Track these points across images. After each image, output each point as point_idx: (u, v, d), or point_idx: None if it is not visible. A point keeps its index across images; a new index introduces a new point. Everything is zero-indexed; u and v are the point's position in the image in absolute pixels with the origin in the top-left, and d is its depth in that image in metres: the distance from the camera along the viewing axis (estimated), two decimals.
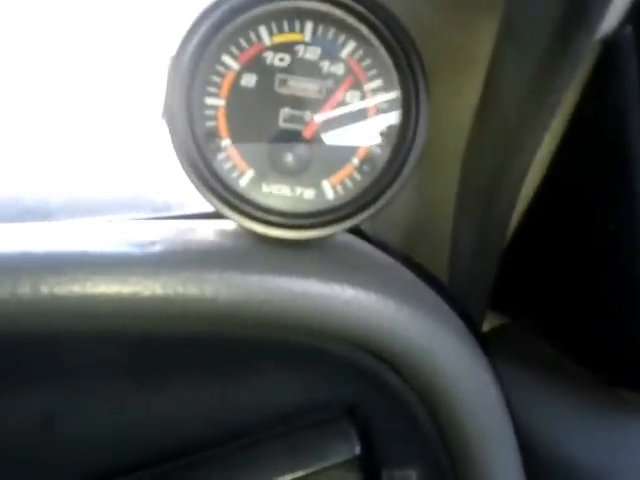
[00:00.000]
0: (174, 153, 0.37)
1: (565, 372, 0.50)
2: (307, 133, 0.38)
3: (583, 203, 0.45)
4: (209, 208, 0.71)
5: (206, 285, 0.33)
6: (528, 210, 0.48)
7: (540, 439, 0.44)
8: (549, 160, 0.44)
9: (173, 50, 0.36)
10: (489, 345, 0.50)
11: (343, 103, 0.38)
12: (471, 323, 0.42)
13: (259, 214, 0.37)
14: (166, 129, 0.37)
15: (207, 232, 0.38)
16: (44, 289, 0.30)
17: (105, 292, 0.31)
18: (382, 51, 0.37)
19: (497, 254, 0.49)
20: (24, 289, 0.30)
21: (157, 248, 0.34)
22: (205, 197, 0.37)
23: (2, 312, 0.30)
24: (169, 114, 0.36)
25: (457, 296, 0.50)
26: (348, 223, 0.37)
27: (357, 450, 0.39)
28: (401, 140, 0.37)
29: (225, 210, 0.37)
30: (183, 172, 0.37)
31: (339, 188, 0.38)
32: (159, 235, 0.36)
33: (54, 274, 0.31)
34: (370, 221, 0.39)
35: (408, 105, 0.37)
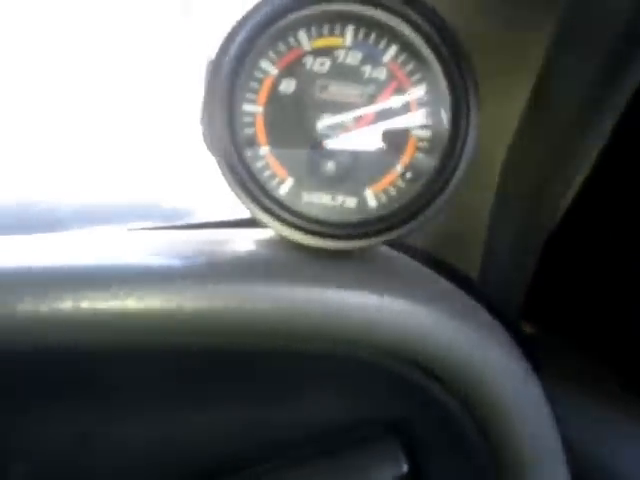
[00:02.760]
0: (215, 159, 0.35)
1: (604, 383, 0.48)
2: (349, 140, 0.36)
3: (624, 210, 0.44)
4: (225, 216, 0.70)
5: (252, 297, 0.31)
6: (565, 215, 0.47)
7: (589, 454, 0.43)
8: (591, 165, 0.43)
9: (210, 56, 0.35)
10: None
11: (386, 109, 0.36)
12: (517, 334, 0.41)
13: (301, 223, 0.35)
14: (206, 135, 0.35)
15: (245, 242, 0.37)
16: (85, 304, 0.29)
17: (149, 306, 0.30)
18: (428, 54, 0.36)
19: (534, 262, 0.48)
20: (65, 305, 0.29)
21: (200, 260, 0.32)
22: (246, 204, 0.35)
23: (43, 327, 0.29)
24: (209, 121, 0.35)
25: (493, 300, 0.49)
26: (394, 234, 0.36)
27: (404, 468, 0.37)
28: (450, 148, 0.36)
29: (266, 218, 0.35)
30: (223, 178, 0.36)
31: (382, 196, 0.37)
32: (198, 247, 0.34)
33: (96, 289, 0.29)
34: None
35: (457, 111, 0.35)
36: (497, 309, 0.43)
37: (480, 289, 0.48)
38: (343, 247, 0.35)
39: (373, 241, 0.36)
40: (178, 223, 0.78)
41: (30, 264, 0.30)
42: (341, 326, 0.32)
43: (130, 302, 0.30)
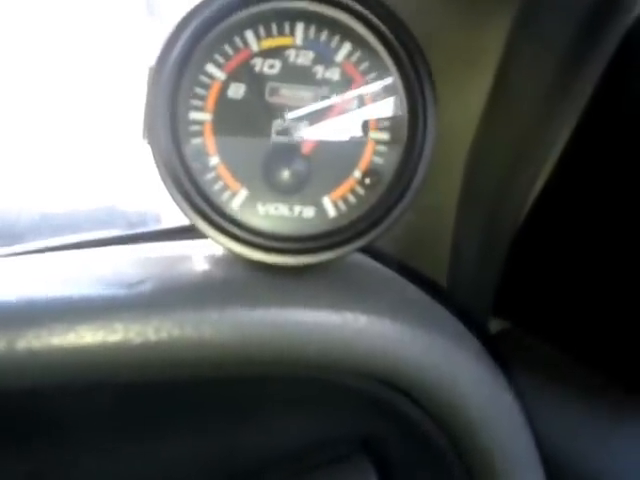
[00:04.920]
0: (158, 175, 0.33)
1: (577, 378, 0.47)
2: (304, 146, 0.34)
3: (593, 201, 0.43)
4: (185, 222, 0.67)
5: (205, 325, 0.29)
6: (530, 210, 0.46)
7: (561, 453, 0.42)
8: (555, 158, 0.42)
9: (152, 61, 0.32)
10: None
11: (341, 111, 0.34)
12: (486, 339, 0.39)
13: (257, 239, 0.33)
14: (149, 148, 0.33)
15: (198, 262, 0.34)
16: (21, 344, 0.27)
17: (91, 343, 0.28)
18: (382, 52, 0.34)
19: (501, 260, 0.47)
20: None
21: (145, 287, 0.30)
22: (195, 223, 0.33)
23: None
24: (152, 132, 0.33)
25: (461, 305, 0.48)
26: (355, 245, 0.34)
27: None
28: (408, 150, 0.34)
29: (219, 237, 0.33)
30: (169, 195, 0.33)
31: (341, 205, 0.35)
32: (145, 269, 0.32)
33: (31, 326, 0.27)
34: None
35: (414, 110, 0.34)
36: (466, 313, 0.41)
37: (447, 292, 0.46)
38: (304, 262, 0.33)
39: (334, 254, 0.34)
40: (139, 231, 0.75)
41: None
42: (302, 349, 0.30)
43: (70, 339, 0.27)
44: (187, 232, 0.68)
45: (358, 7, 0.33)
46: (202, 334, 0.29)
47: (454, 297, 0.49)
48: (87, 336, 0.27)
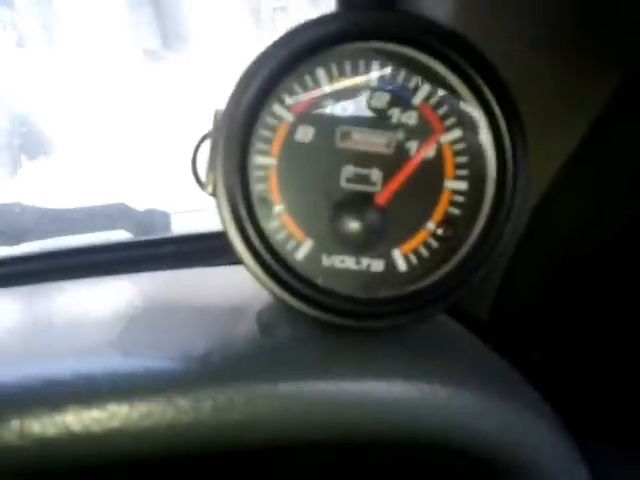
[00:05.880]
0: (223, 221, 0.30)
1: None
2: (377, 196, 0.31)
3: None
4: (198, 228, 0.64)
5: (276, 400, 0.27)
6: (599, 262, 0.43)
7: None
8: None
9: (219, 107, 0.30)
10: None
11: (417, 158, 0.32)
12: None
13: (326, 300, 0.31)
14: (218, 194, 0.30)
15: (260, 318, 0.32)
16: (77, 427, 0.24)
17: (156, 423, 0.25)
18: (468, 97, 0.31)
19: (556, 300, 0.45)
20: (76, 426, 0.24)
21: (212, 360, 0.27)
22: (255, 272, 0.30)
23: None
24: (216, 175, 0.30)
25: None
26: (432, 311, 0.31)
27: None
28: (494, 210, 0.31)
29: (285, 296, 0.30)
30: (231, 242, 0.30)
31: (412, 257, 0.32)
32: (209, 337, 0.29)
33: (91, 407, 0.24)
34: None
35: (502, 163, 0.31)
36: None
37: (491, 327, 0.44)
38: (367, 326, 0.31)
39: (410, 319, 0.31)
40: (149, 237, 0.72)
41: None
42: (376, 426, 0.28)
43: (133, 418, 0.25)
44: (199, 240, 0.65)
45: (448, 52, 0.30)
46: (273, 409, 0.26)
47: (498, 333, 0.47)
48: (153, 416, 0.25)
